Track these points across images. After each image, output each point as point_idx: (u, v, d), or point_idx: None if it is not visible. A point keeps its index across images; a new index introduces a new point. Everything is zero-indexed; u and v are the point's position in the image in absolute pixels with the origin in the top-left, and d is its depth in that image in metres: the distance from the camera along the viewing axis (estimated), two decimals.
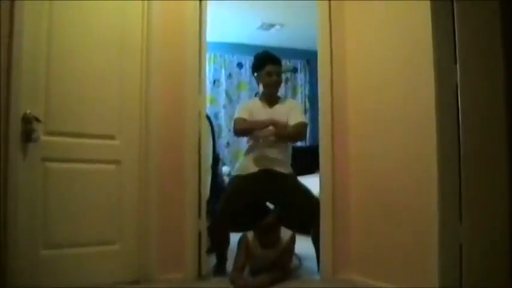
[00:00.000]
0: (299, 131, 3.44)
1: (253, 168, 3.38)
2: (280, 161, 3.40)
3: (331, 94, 3.12)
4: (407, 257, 2.53)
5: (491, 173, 2.17)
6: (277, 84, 3.57)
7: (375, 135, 2.86)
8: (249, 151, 3.50)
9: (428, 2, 2.37)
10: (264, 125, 3.37)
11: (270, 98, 3.56)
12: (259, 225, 3.07)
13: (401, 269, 2.57)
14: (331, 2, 3.18)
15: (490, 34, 2.19)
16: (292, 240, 3.18)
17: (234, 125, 3.53)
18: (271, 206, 3.41)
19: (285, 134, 3.39)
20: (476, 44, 2.25)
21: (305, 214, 3.25)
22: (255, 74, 3.63)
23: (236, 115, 3.55)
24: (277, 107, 3.51)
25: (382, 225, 2.76)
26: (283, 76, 3.59)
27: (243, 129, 3.48)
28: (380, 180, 2.80)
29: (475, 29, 2.25)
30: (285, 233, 3.18)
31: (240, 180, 3.44)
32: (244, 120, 3.45)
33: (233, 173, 3.68)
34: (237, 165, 3.75)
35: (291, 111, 3.46)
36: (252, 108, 3.55)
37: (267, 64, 3.52)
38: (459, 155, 2.22)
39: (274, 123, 3.36)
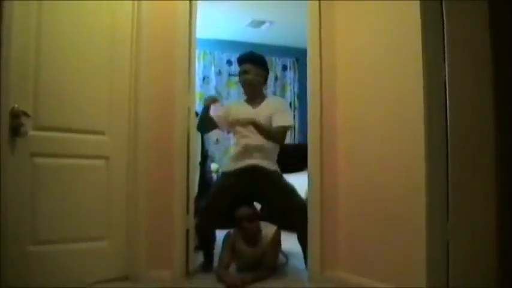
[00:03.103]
0: (278, 136, 3.43)
1: (237, 164, 3.37)
2: (265, 151, 3.38)
3: (320, 92, 3.13)
4: (395, 255, 2.55)
5: (479, 170, 2.20)
6: (252, 83, 3.50)
7: (364, 134, 2.88)
8: (234, 148, 3.51)
9: (418, 1, 2.39)
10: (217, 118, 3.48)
11: (253, 98, 3.54)
12: (235, 216, 3.12)
13: (389, 266, 2.60)
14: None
15: (478, 33, 2.21)
16: (277, 236, 3.20)
17: None
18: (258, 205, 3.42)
19: (264, 134, 3.37)
20: (465, 44, 2.27)
21: (289, 215, 3.25)
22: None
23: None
24: (262, 106, 3.49)
25: (370, 222, 2.78)
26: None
27: (198, 126, 3.54)
28: (368, 178, 2.82)
29: (463, 28, 2.27)
30: (270, 229, 3.20)
31: (225, 178, 3.44)
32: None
33: (221, 170, 3.69)
34: (224, 162, 3.76)
35: (275, 111, 3.43)
36: (233, 108, 3.57)
37: (242, 62, 3.52)
38: (447, 153, 2.25)
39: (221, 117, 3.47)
